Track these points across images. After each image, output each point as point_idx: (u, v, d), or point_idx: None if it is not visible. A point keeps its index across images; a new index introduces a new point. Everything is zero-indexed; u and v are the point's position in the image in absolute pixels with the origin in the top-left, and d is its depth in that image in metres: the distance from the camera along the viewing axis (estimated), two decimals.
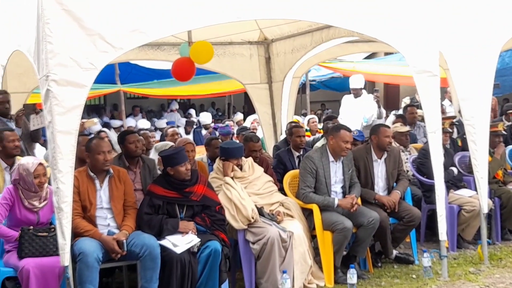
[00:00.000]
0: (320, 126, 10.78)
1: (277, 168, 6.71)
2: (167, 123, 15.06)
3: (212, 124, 14.89)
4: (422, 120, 7.98)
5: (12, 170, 5.21)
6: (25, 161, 5.00)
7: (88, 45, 4.40)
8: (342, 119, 10.04)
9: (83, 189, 4.97)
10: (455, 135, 8.11)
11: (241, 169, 5.81)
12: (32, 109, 7.42)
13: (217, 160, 5.96)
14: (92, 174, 5.08)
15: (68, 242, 4.41)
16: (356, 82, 10.53)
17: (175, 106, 18.76)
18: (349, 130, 6.19)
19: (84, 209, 4.95)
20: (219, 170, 5.79)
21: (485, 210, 6.11)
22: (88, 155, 5.11)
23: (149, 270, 4.80)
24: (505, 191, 6.96)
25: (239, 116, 15.71)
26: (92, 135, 7.43)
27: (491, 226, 6.79)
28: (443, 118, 6.22)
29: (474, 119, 5.91)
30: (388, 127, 6.76)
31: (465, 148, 6.56)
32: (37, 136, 7.13)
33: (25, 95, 7.70)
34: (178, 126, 13.73)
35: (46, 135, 4.60)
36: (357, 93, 10.40)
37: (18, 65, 6.33)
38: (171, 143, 7.25)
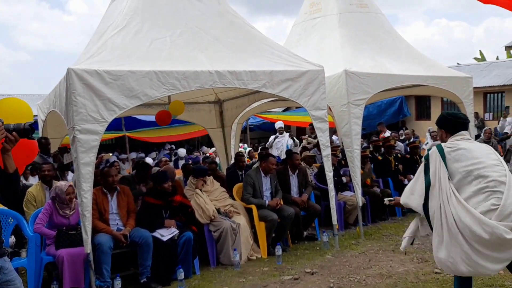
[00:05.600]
0: (256, 154, 10.94)
1: (229, 182, 6.64)
2: (156, 156, 14.80)
3: (186, 155, 14.63)
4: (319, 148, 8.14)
5: (51, 190, 5.06)
6: (60, 184, 4.91)
7: (100, 106, 4.36)
8: (272, 148, 10.42)
9: (100, 201, 4.87)
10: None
11: (205, 183, 5.76)
12: (65, 150, 7.25)
13: (190, 178, 5.90)
14: (105, 190, 4.98)
15: (89, 237, 4.33)
16: (280, 124, 11.10)
17: (168, 146, 18.31)
18: (274, 157, 6.27)
19: (100, 214, 4.85)
20: (192, 185, 5.73)
21: (360, 204, 6.22)
22: (101, 178, 5.01)
23: (145, 252, 4.72)
24: (372, 192, 7.11)
25: (205, 149, 15.55)
26: (108, 164, 7.25)
27: (364, 214, 6.87)
28: (332, 147, 6.32)
29: (351, 147, 6.00)
30: (298, 154, 6.87)
31: (346, 165, 6.66)
32: (68, 167, 6.95)
33: (59, 140, 7.44)
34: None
35: (74, 166, 4.49)
36: (281, 131, 10.81)
37: (54, 119, 6.16)
38: (158, 169, 7.16)
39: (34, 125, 2.54)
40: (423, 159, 3.14)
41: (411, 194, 3.17)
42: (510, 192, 2.71)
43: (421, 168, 3.13)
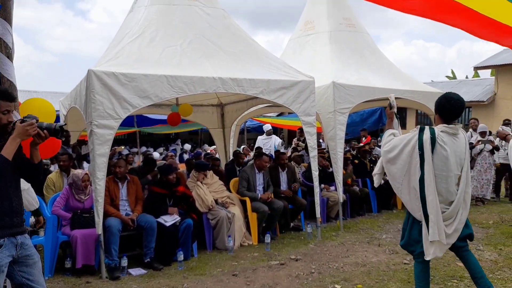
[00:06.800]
0: (252, 153, 10.89)
1: (227, 176, 6.60)
2: (165, 151, 14.69)
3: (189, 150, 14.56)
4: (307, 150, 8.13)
5: (68, 177, 5.03)
6: (77, 172, 4.88)
7: (116, 104, 4.34)
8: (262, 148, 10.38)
9: (111, 188, 4.85)
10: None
11: (206, 176, 5.74)
12: (83, 142, 7.21)
13: (192, 171, 5.85)
14: (117, 179, 4.95)
15: (101, 220, 4.32)
16: (268, 127, 11.11)
17: (178, 142, 18.16)
18: (267, 155, 6.26)
19: (111, 200, 4.82)
20: (193, 177, 5.69)
21: (341, 200, 6.20)
22: (113, 169, 4.98)
23: (150, 236, 4.70)
24: (352, 191, 7.08)
25: (206, 147, 15.47)
26: (121, 156, 7.22)
27: (344, 209, 6.84)
28: (319, 150, 6.28)
29: (335, 150, 6.00)
30: (285, 154, 6.84)
31: (331, 166, 6.64)
32: (85, 158, 6.91)
33: (78, 133, 7.37)
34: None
35: (90, 157, 4.47)
36: (269, 132, 10.80)
37: (74, 114, 6.11)
38: (164, 162, 7.15)
39: (56, 120, 2.54)
40: (416, 149, 2.94)
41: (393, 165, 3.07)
42: (458, 202, 3.00)
43: (411, 153, 2.97)
